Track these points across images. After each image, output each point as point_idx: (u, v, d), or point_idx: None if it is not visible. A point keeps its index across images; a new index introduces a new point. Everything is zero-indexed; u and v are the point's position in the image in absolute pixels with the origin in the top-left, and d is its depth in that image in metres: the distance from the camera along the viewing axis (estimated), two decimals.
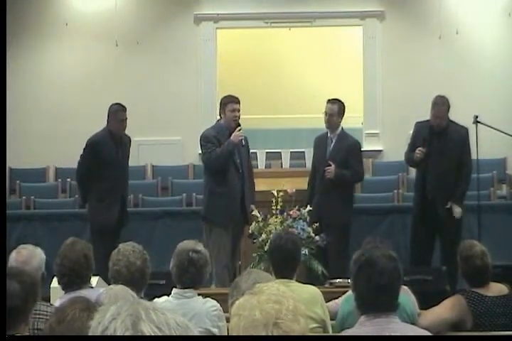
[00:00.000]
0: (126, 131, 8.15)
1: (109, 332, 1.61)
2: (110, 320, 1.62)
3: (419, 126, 8.05)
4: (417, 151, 7.80)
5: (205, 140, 7.71)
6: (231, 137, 7.55)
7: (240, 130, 7.58)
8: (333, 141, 8.03)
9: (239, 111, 7.67)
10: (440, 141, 7.86)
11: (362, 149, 8.47)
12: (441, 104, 7.88)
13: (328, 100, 8.08)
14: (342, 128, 8.08)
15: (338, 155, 7.93)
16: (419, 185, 8.03)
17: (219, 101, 7.93)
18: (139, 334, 1.60)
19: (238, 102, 7.70)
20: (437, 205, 7.81)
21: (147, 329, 1.60)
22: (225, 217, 7.47)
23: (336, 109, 7.97)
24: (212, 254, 7.54)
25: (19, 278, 3.22)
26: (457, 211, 7.78)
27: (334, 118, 7.98)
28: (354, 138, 8.23)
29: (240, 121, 7.65)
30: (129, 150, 8.19)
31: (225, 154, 7.55)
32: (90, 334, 1.65)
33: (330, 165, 7.80)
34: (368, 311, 3.10)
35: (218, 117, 7.94)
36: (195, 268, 4.47)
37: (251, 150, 8.09)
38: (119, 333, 1.60)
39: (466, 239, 6.02)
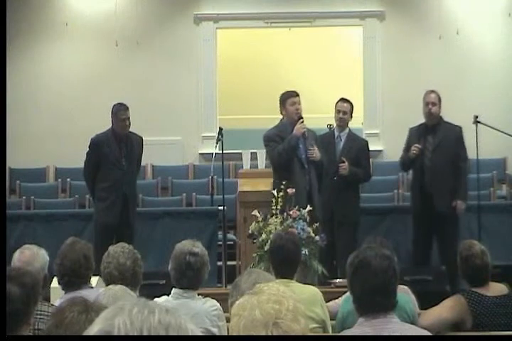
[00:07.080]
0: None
1: (116, 325, 1.61)
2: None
3: (413, 131, 8.09)
4: (413, 148, 7.82)
5: (267, 139, 7.55)
6: (293, 131, 7.40)
7: (302, 122, 7.39)
8: (343, 140, 8.06)
9: (299, 103, 7.48)
10: (435, 138, 7.90)
11: None
12: (430, 92, 7.95)
13: (341, 98, 8.14)
14: (349, 127, 8.16)
15: (349, 153, 7.96)
16: (417, 183, 8.04)
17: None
18: (145, 332, 1.60)
19: (297, 95, 7.51)
20: (435, 203, 7.81)
21: (154, 328, 1.59)
22: None
23: (349, 107, 8.06)
24: None
25: (20, 279, 3.20)
26: (462, 208, 7.82)
27: (347, 117, 8.02)
28: (363, 138, 8.30)
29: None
30: (138, 150, 8.06)
31: (288, 149, 7.36)
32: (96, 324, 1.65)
33: (343, 162, 7.83)
34: (366, 313, 3.09)
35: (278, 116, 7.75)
36: (192, 271, 4.45)
37: (251, 150, 8.03)
38: (128, 326, 1.60)
39: (465, 239, 6.02)
